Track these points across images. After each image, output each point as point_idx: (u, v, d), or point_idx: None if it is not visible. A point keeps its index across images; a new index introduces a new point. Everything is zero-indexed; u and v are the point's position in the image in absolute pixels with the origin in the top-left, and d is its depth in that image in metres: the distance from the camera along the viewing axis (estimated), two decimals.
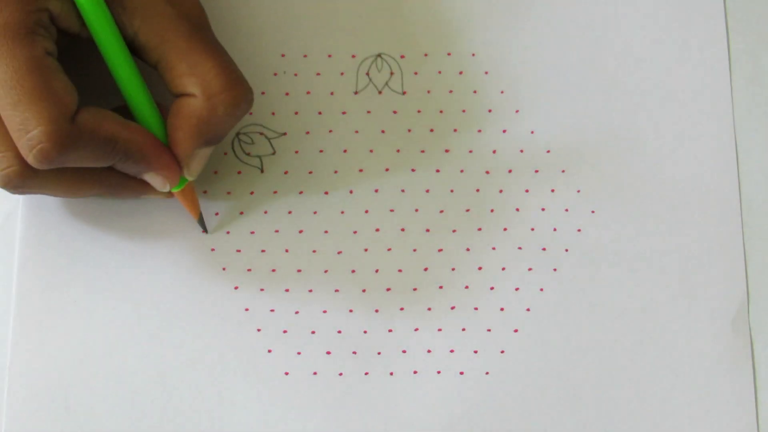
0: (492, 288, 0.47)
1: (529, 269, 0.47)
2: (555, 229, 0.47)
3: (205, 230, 0.46)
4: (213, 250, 0.46)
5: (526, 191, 0.48)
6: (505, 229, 0.47)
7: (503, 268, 0.47)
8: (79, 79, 0.41)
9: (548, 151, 0.48)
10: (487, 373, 0.46)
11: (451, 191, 0.47)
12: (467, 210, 0.47)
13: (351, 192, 0.47)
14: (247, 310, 0.46)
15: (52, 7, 0.39)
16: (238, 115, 0.42)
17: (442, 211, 0.47)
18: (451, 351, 0.46)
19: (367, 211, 0.47)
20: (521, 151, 0.48)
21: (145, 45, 0.41)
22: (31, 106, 0.38)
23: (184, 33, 0.41)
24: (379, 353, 0.46)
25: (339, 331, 0.46)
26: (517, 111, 0.48)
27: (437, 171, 0.48)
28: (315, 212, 0.47)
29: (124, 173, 0.43)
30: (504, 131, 0.48)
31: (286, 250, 0.46)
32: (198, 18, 0.42)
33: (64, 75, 0.39)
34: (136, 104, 0.42)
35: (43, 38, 0.39)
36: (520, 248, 0.47)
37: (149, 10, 0.40)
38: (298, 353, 0.46)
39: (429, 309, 0.46)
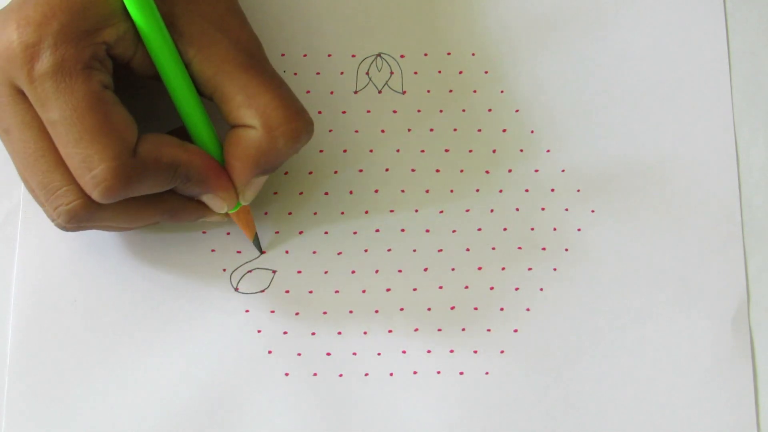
0: (492, 288, 0.47)
1: (529, 269, 0.47)
2: (555, 229, 0.47)
3: (261, 251, 0.46)
4: (213, 251, 0.46)
5: (526, 191, 0.48)
6: (505, 229, 0.47)
7: (503, 268, 0.47)
8: (135, 102, 0.41)
9: (548, 151, 0.48)
10: (487, 373, 0.46)
11: (451, 191, 0.47)
12: (467, 210, 0.47)
13: (351, 192, 0.47)
14: (247, 311, 0.46)
15: (107, 37, 0.39)
16: (298, 147, 0.41)
17: (441, 212, 0.47)
18: (451, 351, 0.46)
19: (367, 212, 0.47)
20: (521, 151, 0.48)
21: (200, 75, 0.40)
22: (93, 144, 0.38)
23: (241, 64, 0.40)
24: (379, 354, 0.46)
25: (339, 333, 0.46)
26: (517, 110, 0.48)
27: (437, 171, 0.48)
28: (315, 213, 0.47)
29: (183, 196, 0.42)
30: (504, 131, 0.48)
31: (286, 252, 0.46)
32: (254, 48, 0.41)
33: (122, 108, 0.39)
34: (195, 126, 0.42)
35: (99, 72, 0.38)
36: (520, 248, 0.47)
37: (204, 40, 0.40)
38: (299, 354, 0.46)
39: (429, 309, 0.46)
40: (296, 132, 0.41)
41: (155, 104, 0.43)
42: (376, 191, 0.47)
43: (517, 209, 0.48)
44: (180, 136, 0.41)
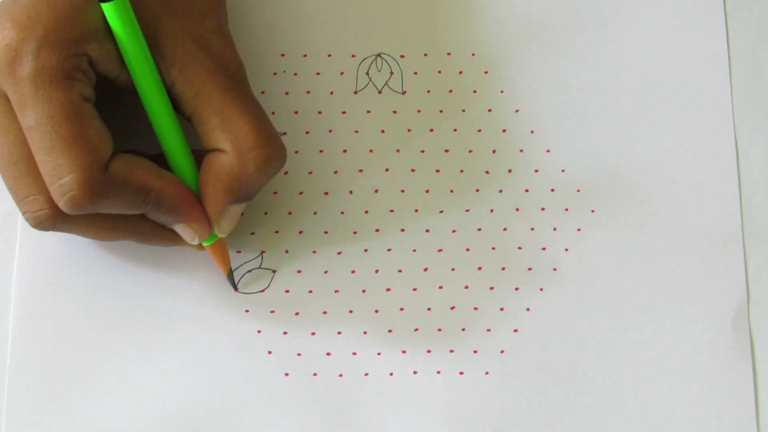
0: (492, 288, 0.47)
1: (529, 269, 0.47)
2: (555, 229, 0.47)
3: (235, 288, 0.46)
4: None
5: (526, 191, 0.48)
6: (504, 229, 0.47)
7: (503, 268, 0.47)
8: (116, 124, 0.41)
9: (548, 151, 0.48)
10: (487, 373, 0.46)
11: (451, 191, 0.47)
12: (467, 210, 0.47)
13: (351, 192, 0.47)
14: (247, 311, 0.46)
15: (91, 51, 0.38)
16: (269, 173, 0.41)
17: (441, 212, 0.47)
18: (451, 351, 0.46)
19: (367, 212, 0.47)
20: (521, 150, 0.48)
21: (180, 96, 0.40)
22: (65, 153, 0.38)
23: (220, 87, 0.40)
24: (379, 354, 0.46)
25: (339, 333, 0.46)
26: (517, 110, 0.48)
27: (437, 171, 0.48)
28: (315, 213, 0.47)
29: (156, 222, 0.42)
30: (504, 131, 0.48)
31: (286, 252, 0.46)
32: (236, 71, 0.41)
33: (99, 122, 0.39)
34: (172, 153, 0.41)
35: (80, 83, 0.38)
36: (520, 248, 0.47)
37: (187, 61, 0.40)
38: (298, 354, 0.46)
39: (429, 309, 0.46)
40: (267, 157, 0.40)
41: (139, 119, 0.43)
42: (376, 191, 0.47)
43: (517, 209, 0.48)
44: (159, 163, 0.41)
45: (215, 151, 0.41)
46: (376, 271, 0.47)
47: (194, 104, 0.40)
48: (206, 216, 0.42)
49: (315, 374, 0.45)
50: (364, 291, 0.46)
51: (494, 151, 0.48)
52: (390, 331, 0.46)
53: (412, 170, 0.48)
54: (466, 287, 0.47)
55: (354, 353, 0.46)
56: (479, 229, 0.47)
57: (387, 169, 0.48)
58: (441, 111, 0.48)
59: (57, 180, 0.38)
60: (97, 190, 0.38)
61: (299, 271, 0.46)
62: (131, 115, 0.43)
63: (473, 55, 0.49)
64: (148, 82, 0.40)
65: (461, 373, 0.46)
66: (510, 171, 0.48)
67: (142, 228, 0.42)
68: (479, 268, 0.47)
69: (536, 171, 0.48)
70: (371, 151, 0.48)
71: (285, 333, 0.46)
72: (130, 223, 0.42)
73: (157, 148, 0.42)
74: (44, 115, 0.37)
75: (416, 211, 0.47)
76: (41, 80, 0.37)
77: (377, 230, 0.47)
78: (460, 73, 0.49)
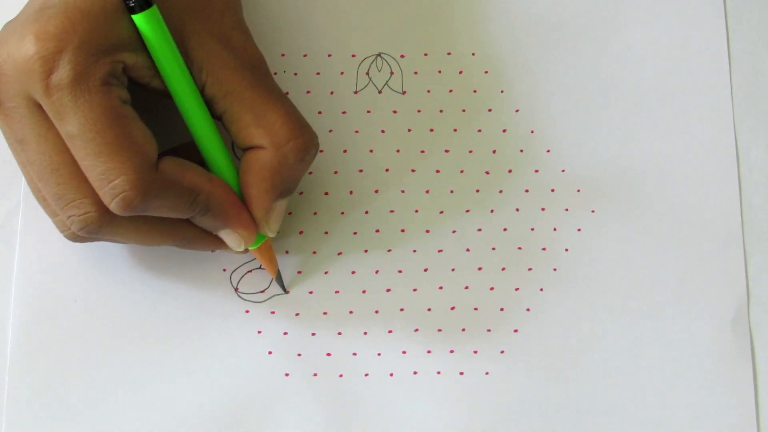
0: (492, 288, 0.47)
1: (529, 269, 0.47)
2: (555, 229, 0.47)
3: (284, 290, 0.46)
4: (213, 251, 0.46)
5: (526, 191, 0.48)
6: (505, 229, 0.47)
7: (503, 268, 0.47)
8: (152, 119, 0.41)
9: (548, 151, 0.48)
10: (487, 373, 0.46)
11: (451, 192, 0.47)
12: (467, 210, 0.47)
13: (351, 193, 0.47)
14: (247, 312, 0.46)
15: (126, 59, 0.39)
16: (307, 160, 0.42)
17: (442, 212, 0.47)
18: (451, 351, 0.46)
19: (367, 212, 0.47)
20: (521, 151, 0.48)
21: (212, 97, 0.40)
22: (114, 156, 0.38)
23: (248, 83, 0.40)
24: (379, 354, 0.46)
25: (339, 333, 0.46)
26: (517, 111, 0.48)
27: (437, 171, 0.48)
28: (315, 213, 0.47)
29: (201, 227, 0.42)
30: (504, 131, 0.48)
31: (287, 252, 0.46)
32: (260, 65, 0.42)
33: (141, 123, 0.39)
34: (212, 157, 0.42)
35: (117, 87, 0.38)
36: (520, 248, 0.47)
37: (213, 63, 0.40)
38: (299, 355, 0.46)
39: (429, 309, 0.46)
40: (304, 145, 0.41)
41: (173, 121, 0.43)
42: (376, 191, 0.47)
43: (517, 209, 0.48)
44: (193, 158, 0.41)
45: (253, 150, 0.41)
46: (377, 272, 0.47)
47: (225, 104, 0.40)
48: (253, 221, 0.42)
49: (315, 374, 0.45)
50: (364, 291, 0.46)
51: (494, 151, 0.48)
52: (390, 331, 0.46)
53: (412, 170, 0.48)
54: (466, 287, 0.47)
55: (354, 354, 0.46)
56: (479, 230, 0.47)
57: (387, 169, 0.48)
58: (441, 111, 0.48)
59: (108, 183, 0.38)
60: (149, 190, 0.38)
61: (299, 272, 0.46)
62: (165, 119, 0.43)
63: (473, 55, 0.49)
64: (182, 88, 0.40)
65: (461, 373, 0.46)
66: (510, 171, 0.48)
67: (188, 233, 0.42)
68: (479, 269, 0.47)
69: (536, 171, 0.48)
70: (371, 151, 0.48)
71: (285, 333, 0.46)
72: (175, 227, 0.42)
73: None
74: (87, 122, 0.38)
75: (416, 211, 0.47)
76: (80, 88, 0.37)
77: (377, 230, 0.47)
78: (460, 73, 0.49)
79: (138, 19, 0.39)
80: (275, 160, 0.41)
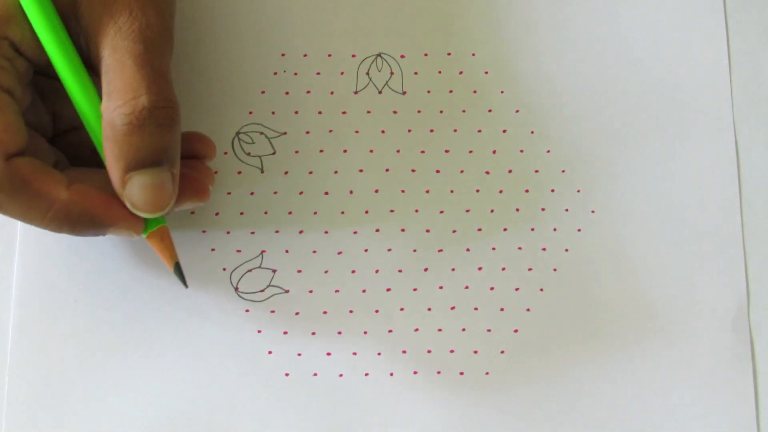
0: (492, 288, 0.47)
1: (529, 269, 0.47)
2: (555, 229, 0.47)
3: (184, 284, 0.42)
4: (213, 250, 0.46)
5: (526, 191, 0.48)
6: (505, 229, 0.47)
7: (503, 268, 0.47)
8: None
9: (548, 151, 0.48)
10: (487, 373, 0.46)
11: (451, 191, 0.47)
12: (467, 210, 0.47)
13: (351, 192, 0.47)
14: (247, 311, 0.46)
15: (12, 34, 0.38)
16: (144, 127, 0.37)
17: (442, 212, 0.47)
18: (451, 351, 0.46)
19: (367, 212, 0.47)
20: (521, 151, 0.48)
21: (95, 66, 0.39)
22: None
23: (120, 53, 0.38)
24: (379, 354, 0.46)
25: (339, 332, 0.46)
26: (517, 111, 0.48)
27: (437, 171, 0.48)
28: (315, 212, 0.47)
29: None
30: (504, 131, 0.48)
31: (287, 251, 0.46)
32: (150, 39, 0.38)
33: (13, 114, 0.38)
34: (95, 134, 0.40)
35: (5, 72, 0.38)
36: (520, 248, 0.47)
37: (95, 29, 0.38)
38: (299, 354, 0.46)
39: (429, 309, 0.46)
40: (131, 109, 0.37)
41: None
42: (376, 191, 0.47)
43: (517, 209, 0.48)
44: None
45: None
46: (377, 271, 0.47)
47: (102, 70, 0.38)
48: (128, 212, 0.39)
49: (315, 374, 0.45)
50: (364, 291, 0.46)
51: (494, 152, 0.48)
52: (390, 331, 0.46)
53: (412, 170, 0.48)
54: (466, 287, 0.47)
55: (354, 353, 0.46)
56: (479, 229, 0.47)
57: (387, 169, 0.48)
58: (441, 111, 0.48)
59: None
60: None
61: (299, 271, 0.46)
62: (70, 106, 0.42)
63: (473, 55, 0.49)
64: (61, 59, 0.38)
65: (461, 373, 0.46)
66: (510, 171, 0.48)
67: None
68: (479, 269, 0.47)
69: (536, 171, 0.48)
70: (371, 151, 0.48)
71: (285, 333, 0.46)
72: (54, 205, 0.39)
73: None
74: None
75: (416, 211, 0.47)
76: None
77: (377, 230, 0.47)
78: (460, 73, 0.49)
79: None
80: (107, 127, 0.38)
